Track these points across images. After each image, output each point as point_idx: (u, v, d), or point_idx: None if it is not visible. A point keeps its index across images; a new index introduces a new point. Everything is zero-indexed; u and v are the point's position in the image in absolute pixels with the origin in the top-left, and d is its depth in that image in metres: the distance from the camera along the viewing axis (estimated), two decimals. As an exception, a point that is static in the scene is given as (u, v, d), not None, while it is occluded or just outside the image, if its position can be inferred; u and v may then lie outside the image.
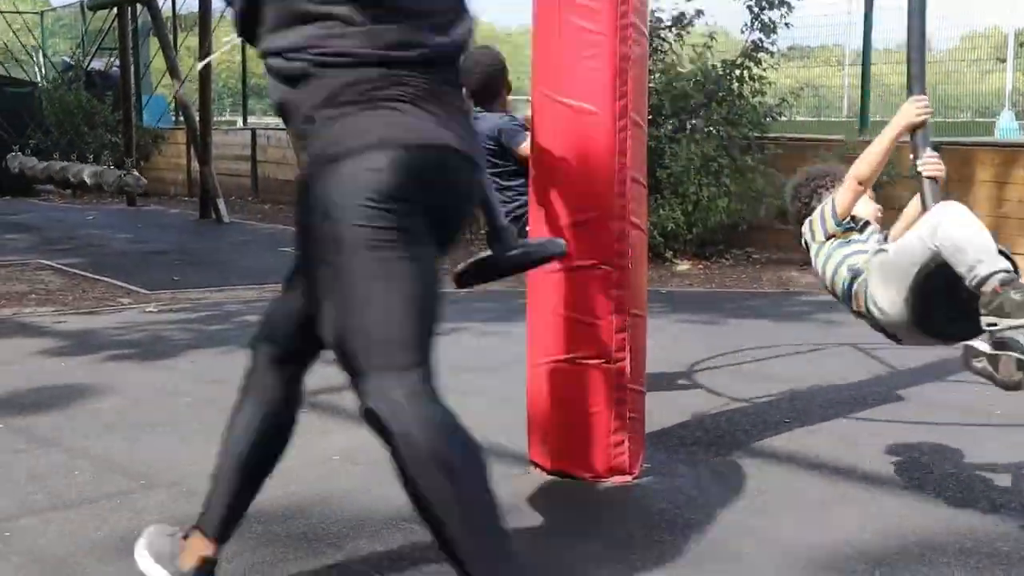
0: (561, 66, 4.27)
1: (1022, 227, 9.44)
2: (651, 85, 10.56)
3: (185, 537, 3.24)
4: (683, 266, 10.36)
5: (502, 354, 6.45)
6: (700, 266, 10.41)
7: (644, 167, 4.43)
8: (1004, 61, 24.60)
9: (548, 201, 4.33)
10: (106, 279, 9.57)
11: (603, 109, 4.21)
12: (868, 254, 3.90)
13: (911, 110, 3.88)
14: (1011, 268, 3.40)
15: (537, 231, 4.40)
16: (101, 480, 4.39)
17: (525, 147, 4.82)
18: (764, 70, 11.10)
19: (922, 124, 3.90)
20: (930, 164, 3.85)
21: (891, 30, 14.15)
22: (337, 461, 4.64)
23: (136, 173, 15.25)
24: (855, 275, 3.88)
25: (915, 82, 3.93)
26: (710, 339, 7.19)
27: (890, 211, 9.44)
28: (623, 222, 4.25)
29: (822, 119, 22.70)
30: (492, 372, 6.15)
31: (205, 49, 15.36)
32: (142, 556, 3.24)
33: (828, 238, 4.08)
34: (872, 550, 3.69)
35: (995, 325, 3.38)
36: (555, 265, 4.28)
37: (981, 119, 22.80)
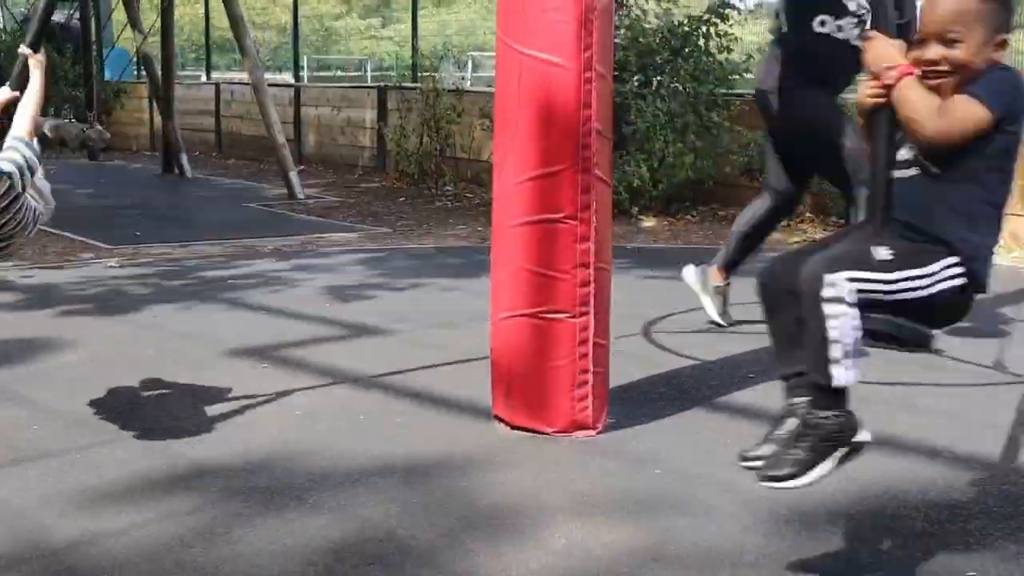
0: (526, 17, 4.22)
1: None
2: (617, 41, 10.49)
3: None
4: (649, 222, 10.34)
5: (466, 309, 6.43)
6: (666, 222, 10.39)
7: (610, 120, 4.39)
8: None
9: (512, 154, 4.30)
10: (67, 234, 9.45)
11: (568, 61, 4.17)
12: None
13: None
14: None
15: (500, 184, 4.37)
16: (61, 434, 4.34)
17: None
18: (731, 26, 11.04)
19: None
20: None
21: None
22: (299, 416, 4.61)
23: (99, 127, 15.02)
24: None
25: None
26: (675, 294, 7.17)
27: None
28: (588, 175, 4.22)
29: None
30: (456, 327, 6.12)
31: (167, 2, 15.14)
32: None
33: None
34: (836, 501, 3.70)
35: None
36: (518, 218, 4.26)
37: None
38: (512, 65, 4.29)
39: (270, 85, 14.96)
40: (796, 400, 3.02)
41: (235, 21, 13.28)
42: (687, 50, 10.83)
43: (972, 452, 4.19)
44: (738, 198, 10.88)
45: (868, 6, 5.52)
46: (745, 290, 7.23)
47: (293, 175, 12.69)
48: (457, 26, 30.51)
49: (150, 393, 4.91)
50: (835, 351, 2.86)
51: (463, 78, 15.34)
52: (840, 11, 5.56)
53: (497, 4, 4.38)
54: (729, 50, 11.08)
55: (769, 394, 4.91)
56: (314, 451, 4.16)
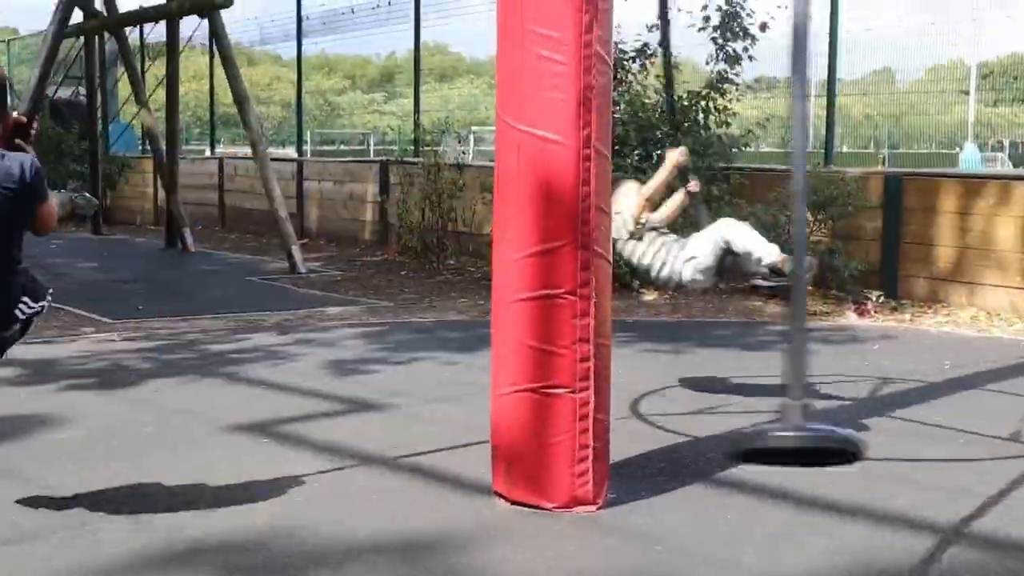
0: (525, 95, 4.27)
1: (984, 257, 9.52)
2: (617, 116, 10.59)
3: None
4: (649, 296, 10.36)
5: (467, 383, 6.43)
6: (666, 296, 10.41)
7: (608, 196, 4.43)
8: (967, 93, 24.88)
9: (512, 230, 4.33)
10: (69, 308, 9.48)
11: (567, 138, 4.21)
12: None
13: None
14: None
15: (500, 259, 4.40)
16: (61, 511, 4.32)
17: None
18: (729, 101, 11.15)
19: None
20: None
21: (852, 61, 14.24)
22: (299, 492, 4.59)
23: (87, 194, 15.11)
24: None
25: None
26: (675, 368, 7.19)
27: (854, 240, 9.44)
28: (587, 251, 4.25)
29: (788, 149, 22.83)
30: (456, 401, 6.12)
31: (172, 77, 15.29)
32: None
33: None
34: (836, 580, 3.68)
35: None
36: (518, 294, 4.28)
37: (945, 151, 23.04)
38: (511, 143, 4.33)
39: (273, 160, 15.08)
40: None
41: (239, 98, 13.43)
42: (687, 124, 10.93)
43: (974, 527, 4.17)
44: (739, 271, 10.92)
45: None
46: (745, 365, 7.24)
47: (295, 249, 12.75)
48: (459, 101, 30.82)
49: (150, 469, 4.90)
50: None
51: (464, 152, 15.45)
52: None
53: (497, 82, 4.44)
54: (728, 124, 11.19)
55: (767, 469, 4.90)
56: (312, 528, 4.14)
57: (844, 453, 4.93)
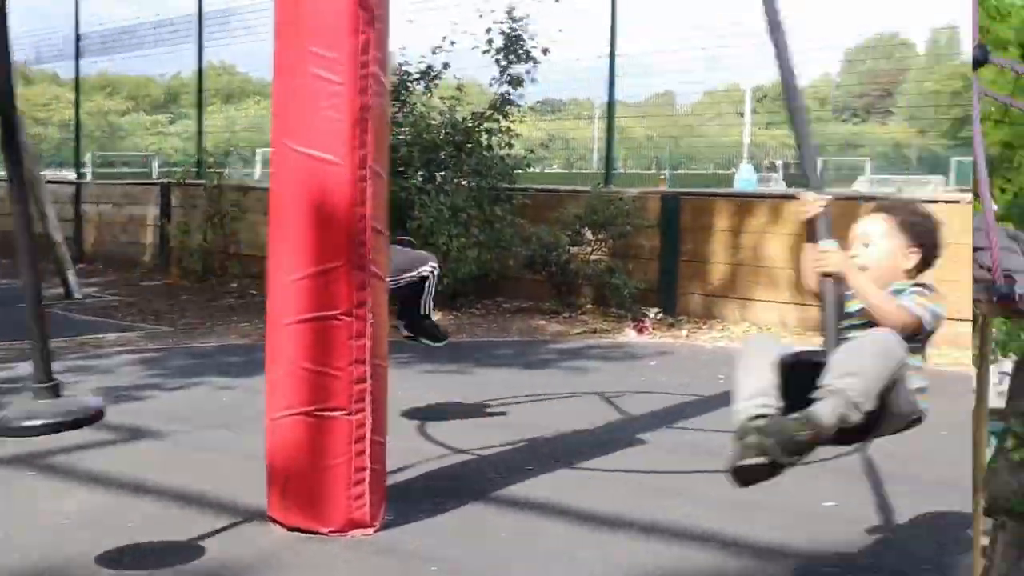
0: (300, 116, 4.23)
1: (755, 273, 9.88)
2: (401, 137, 10.60)
3: None
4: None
5: (245, 408, 6.31)
6: (451, 316, 10.46)
7: (385, 217, 4.41)
8: (743, 116, 25.85)
9: (287, 251, 4.27)
10: None
11: (343, 159, 4.18)
12: None
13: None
14: None
15: (275, 282, 4.34)
16: None
17: None
18: (512, 122, 11.30)
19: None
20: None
21: (635, 84, 14.62)
22: (65, 526, 4.41)
23: None
24: None
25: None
26: (457, 388, 7.22)
27: (634, 259, 9.67)
28: (363, 272, 4.23)
29: (574, 171, 23.32)
30: (234, 426, 6.00)
31: None
32: None
33: None
34: (609, 592, 3.74)
35: None
36: (293, 316, 4.22)
37: (722, 171, 23.91)
38: (287, 163, 4.28)
39: (49, 182, 14.56)
40: None
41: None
42: (469, 146, 11.02)
43: (744, 537, 4.29)
44: (522, 291, 11.06)
45: None
46: (527, 384, 7.31)
47: (71, 274, 12.31)
48: (246, 122, 30.35)
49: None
50: None
51: (248, 174, 15.18)
52: None
53: (272, 102, 4.38)
54: (511, 145, 11.33)
55: (546, 487, 4.96)
56: (77, 564, 3.98)
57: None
